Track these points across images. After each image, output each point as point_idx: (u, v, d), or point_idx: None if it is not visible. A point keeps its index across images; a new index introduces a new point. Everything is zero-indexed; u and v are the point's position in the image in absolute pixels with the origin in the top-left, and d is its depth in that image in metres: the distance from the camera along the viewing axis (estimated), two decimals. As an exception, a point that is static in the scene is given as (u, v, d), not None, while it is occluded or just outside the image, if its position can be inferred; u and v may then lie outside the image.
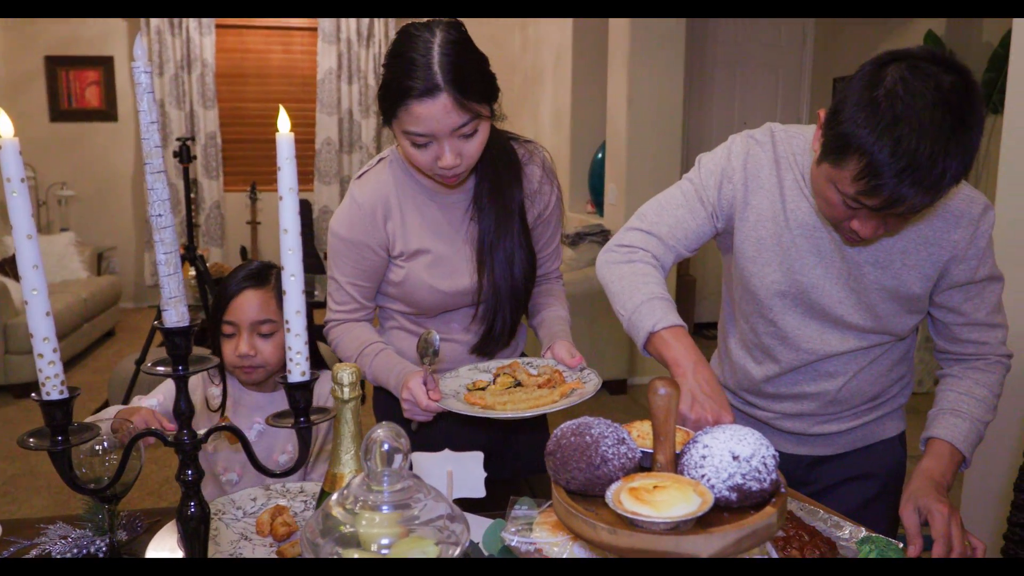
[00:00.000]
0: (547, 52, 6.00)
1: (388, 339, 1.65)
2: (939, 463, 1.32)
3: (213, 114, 6.48)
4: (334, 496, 0.82)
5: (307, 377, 0.97)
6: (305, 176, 6.89)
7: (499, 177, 1.53)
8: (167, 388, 1.67)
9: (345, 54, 6.62)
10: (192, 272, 4.00)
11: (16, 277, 4.97)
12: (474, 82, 1.35)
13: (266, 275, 1.65)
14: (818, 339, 1.40)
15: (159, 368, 0.86)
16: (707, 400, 1.16)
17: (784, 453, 1.55)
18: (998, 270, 1.34)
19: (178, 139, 3.61)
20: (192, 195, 6.48)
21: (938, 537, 1.19)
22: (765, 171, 1.37)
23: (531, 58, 6.48)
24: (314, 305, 5.37)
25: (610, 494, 0.78)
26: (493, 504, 1.21)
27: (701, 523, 0.76)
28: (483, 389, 1.43)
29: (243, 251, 6.76)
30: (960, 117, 1.05)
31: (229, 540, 1.25)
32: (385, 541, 0.79)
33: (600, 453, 0.81)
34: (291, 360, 0.96)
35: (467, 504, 1.25)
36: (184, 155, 3.58)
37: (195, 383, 1.69)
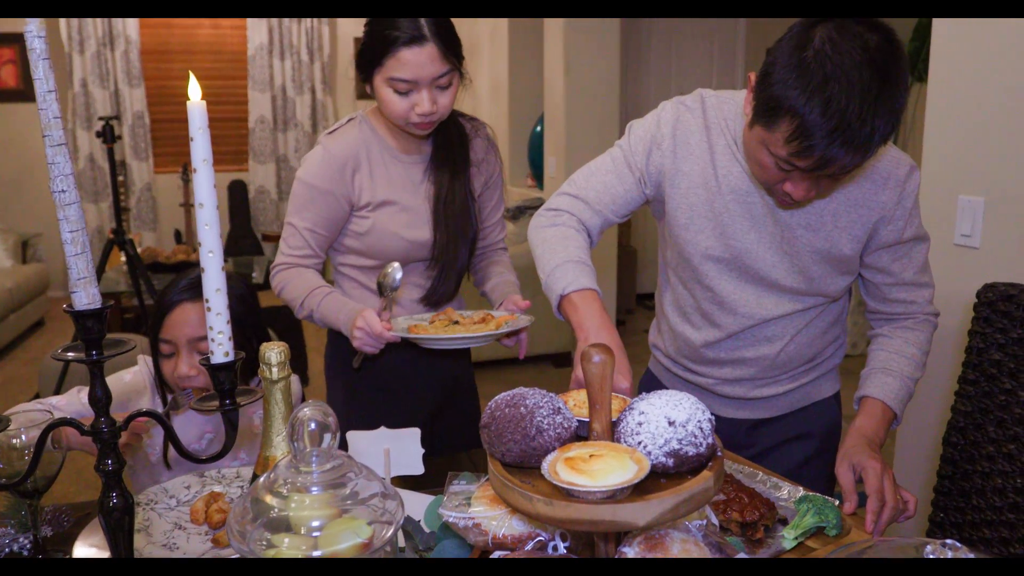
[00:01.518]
0: (482, 24, 5.93)
1: (342, 292, 1.72)
2: (871, 421, 1.35)
3: (140, 93, 6.24)
4: (261, 479, 0.79)
5: (231, 358, 0.93)
6: (240, 156, 6.71)
7: (451, 144, 1.69)
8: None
9: (276, 29, 6.43)
10: (123, 258, 3.87)
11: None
12: (453, 37, 1.51)
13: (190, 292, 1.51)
14: (755, 303, 1.42)
15: (69, 354, 0.81)
16: None
17: (724, 418, 1.57)
18: (924, 230, 1.37)
19: (100, 118, 3.46)
20: (120, 177, 6.25)
21: (871, 492, 1.22)
22: (695, 137, 1.37)
23: (466, 31, 6.40)
24: (256, 287, 5.28)
25: (546, 465, 0.76)
26: (433, 480, 1.20)
27: (638, 490, 0.75)
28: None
29: (177, 234, 6.56)
30: (886, 76, 1.05)
31: (162, 530, 1.21)
32: (316, 523, 0.77)
33: (535, 424, 0.80)
34: (213, 340, 0.93)
35: (407, 482, 1.24)
36: (108, 135, 3.44)
37: (140, 383, 1.58)
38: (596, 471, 0.74)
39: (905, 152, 1.37)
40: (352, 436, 1.10)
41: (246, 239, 6.63)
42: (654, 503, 0.72)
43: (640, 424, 0.79)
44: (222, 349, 0.93)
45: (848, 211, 1.32)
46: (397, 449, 1.08)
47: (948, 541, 0.82)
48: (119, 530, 0.88)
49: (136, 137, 6.29)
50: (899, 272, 1.38)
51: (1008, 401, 1.49)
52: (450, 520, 0.89)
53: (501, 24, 5.48)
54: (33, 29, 0.75)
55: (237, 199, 6.63)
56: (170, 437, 0.94)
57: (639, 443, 0.78)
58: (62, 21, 6.00)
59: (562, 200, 1.45)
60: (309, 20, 6.46)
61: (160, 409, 1.57)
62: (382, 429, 1.09)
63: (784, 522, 1.22)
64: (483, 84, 6.04)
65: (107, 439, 0.85)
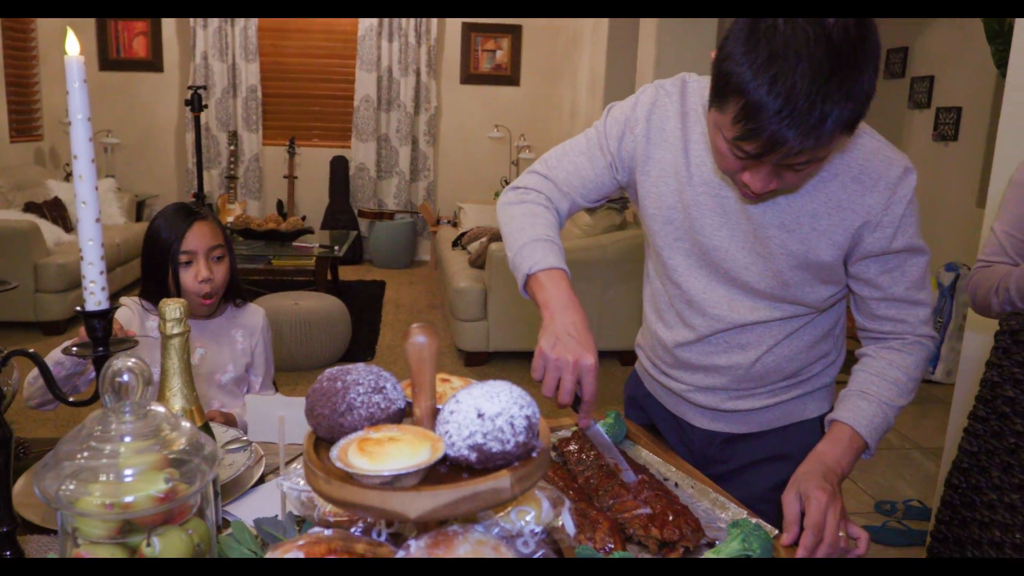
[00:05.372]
0: (585, 21, 5.83)
1: None
2: (835, 448, 1.22)
3: (255, 67, 6.53)
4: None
5: (104, 306, 0.94)
6: (343, 132, 6.91)
7: None
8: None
9: (387, 11, 6.57)
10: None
11: (53, 219, 5.13)
12: None
13: (200, 209, 1.79)
14: (726, 305, 1.31)
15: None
16: (570, 340, 1.10)
17: (698, 428, 1.47)
18: (921, 242, 1.22)
19: (189, 87, 3.64)
20: (232, 147, 6.58)
21: (808, 526, 1.10)
22: (671, 123, 1.27)
23: (573, 20, 6.32)
24: (338, 261, 5.43)
25: (342, 443, 0.72)
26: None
27: (430, 482, 0.69)
28: None
29: (279, 204, 6.85)
30: (842, 58, 0.93)
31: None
32: (122, 474, 0.75)
33: (347, 400, 0.75)
34: (86, 289, 0.93)
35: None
36: (196, 103, 3.60)
37: (128, 317, 1.75)
38: (383, 455, 0.68)
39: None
40: (250, 400, 1.08)
41: (343, 213, 6.83)
42: (427, 496, 0.66)
43: (452, 413, 0.73)
44: (94, 298, 0.94)
45: (829, 213, 1.19)
46: (293, 417, 1.06)
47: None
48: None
49: (248, 110, 6.59)
50: (888, 286, 1.23)
51: (1018, 445, 1.32)
52: (284, 489, 0.85)
53: (602, 20, 5.37)
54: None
55: (338, 174, 6.84)
56: (45, 378, 0.96)
57: (446, 432, 0.72)
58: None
59: (531, 179, 1.38)
60: (419, 3, 6.56)
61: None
62: (278, 396, 1.07)
63: (711, 545, 1.13)
64: (583, 74, 5.96)
65: None
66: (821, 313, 1.34)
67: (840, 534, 1.11)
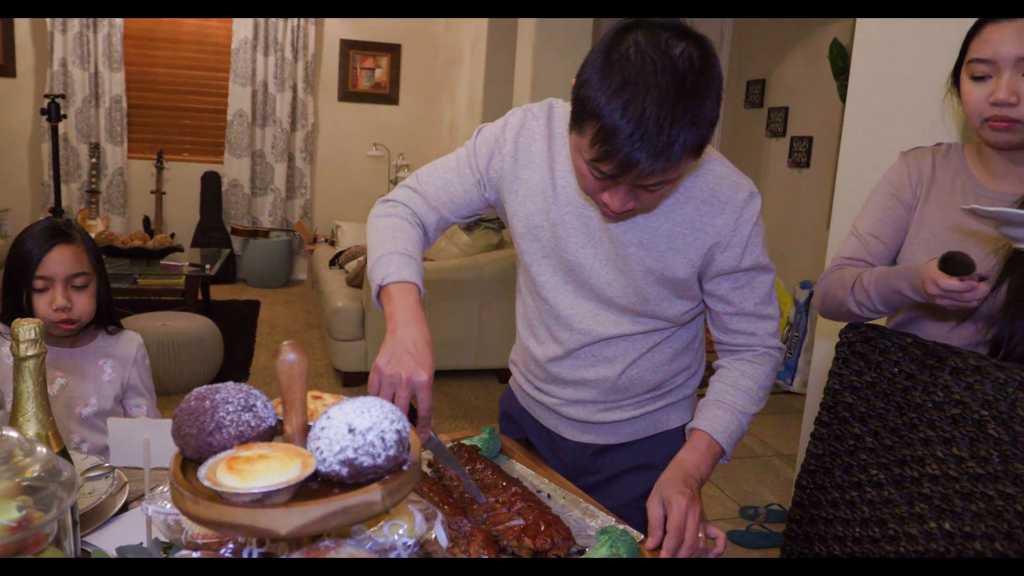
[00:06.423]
0: (466, 35, 5.92)
1: None
2: (695, 454, 1.30)
3: (119, 77, 6.23)
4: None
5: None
6: (216, 148, 6.69)
7: None
8: None
9: (262, 24, 6.43)
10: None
11: None
12: None
13: (69, 231, 1.66)
14: (592, 319, 1.37)
15: None
16: (406, 356, 1.12)
17: (571, 441, 1.52)
18: (766, 260, 1.32)
19: (46, 95, 3.44)
20: (94, 160, 6.23)
21: (670, 529, 1.16)
22: (537, 145, 1.33)
23: (452, 40, 6.40)
24: (209, 280, 5.24)
25: (210, 462, 0.71)
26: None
27: (301, 498, 0.70)
28: None
29: (146, 221, 6.54)
30: (686, 84, 1.01)
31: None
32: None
33: (216, 419, 0.75)
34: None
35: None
36: (53, 112, 3.41)
37: None
38: (252, 472, 0.69)
39: (755, 174, 1.33)
40: (112, 423, 1.04)
41: (216, 231, 6.60)
42: (296, 512, 0.67)
43: (323, 429, 0.74)
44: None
45: (683, 233, 1.27)
46: (159, 439, 1.03)
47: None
48: None
49: (112, 121, 6.27)
50: (739, 302, 1.33)
51: (855, 447, 1.44)
52: (150, 514, 0.83)
53: (481, 38, 5.46)
54: None
55: (210, 190, 6.61)
56: None
57: (317, 448, 0.73)
58: None
59: (401, 192, 1.42)
60: (296, 18, 6.46)
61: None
62: (143, 419, 1.04)
63: (582, 552, 1.17)
64: (463, 93, 6.02)
65: None
66: (681, 327, 1.42)
67: (700, 535, 1.18)
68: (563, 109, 1.34)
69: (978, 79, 1.32)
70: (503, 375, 4.59)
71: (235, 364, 4.51)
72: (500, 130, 1.36)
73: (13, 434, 0.77)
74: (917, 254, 1.45)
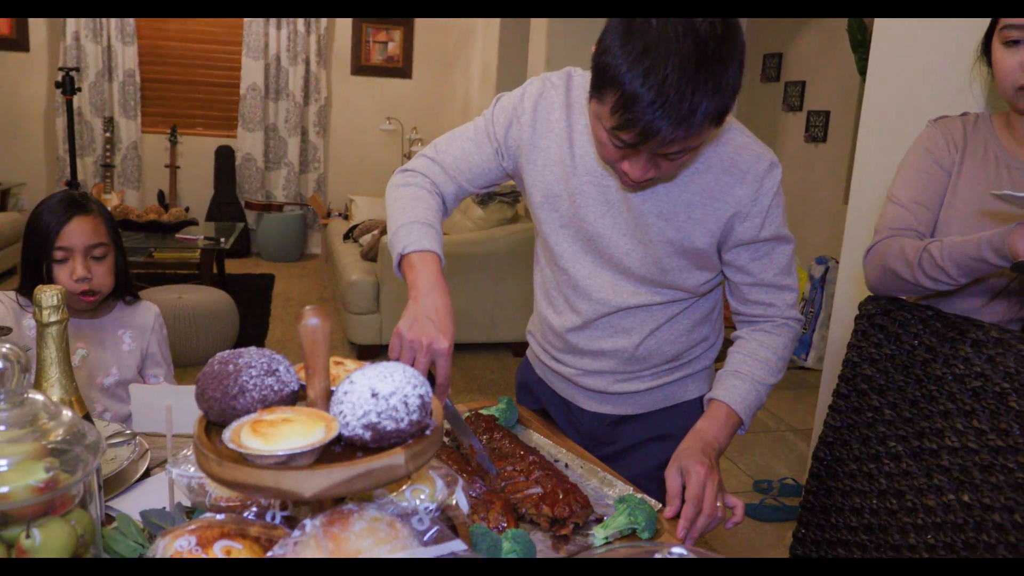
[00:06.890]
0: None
1: None
2: (713, 424, 1.30)
3: (132, 51, 6.22)
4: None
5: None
6: (229, 122, 6.69)
7: None
8: None
9: (275, -3, 6.39)
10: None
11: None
12: None
13: (86, 202, 1.67)
14: (610, 289, 1.37)
15: None
16: (428, 323, 1.13)
17: (588, 411, 1.52)
18: (786, 231, 1.31)
19: (60, 68, 3.44)
20: (108, 134, 6.25)
21: (689, 499, 1.16)
22: (556, 115, 1.31)
23: (463, 21, 6.34)
24: (224, 253, 5.26)
25: (234, 425, 0.72)
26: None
27: (324, 461, 0.70)
28: None
29: (160, 195, 6.56)
30: (709, 51, 0.99)
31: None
32: (3, 462, 0.73)
33: (239, 383, 0.75)
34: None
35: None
36: (67, 85, 3.41)
37: (2, 314, 1.67)
38: (276, 435, 0.69)
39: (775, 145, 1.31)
40: (134, 389, 1.05)
41: (229, 205, 6.61)
42: (321, 474, 0.67)
43: (346, 393, 0.74)
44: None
45: (703, 203, 1.26)
46: (180, 406, 1.03)
47: (675, 550, 0.76)
48: None
49: (126, 95, 6.27)
50: (758, 272, 1.32)
51: (874, 419, 1.43)
52: (173, 477, 0.84)
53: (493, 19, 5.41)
54: None
55: (223, 165, 6.61)
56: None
57: (340, 412, 0.73)
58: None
59: (419, 162, 1.41)
60: (308, -9, 6.41)
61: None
62: (164, 384, 1.04)
63: (600, 521, 1.18)
64: (476, 68, 5.98)
65: None
66: (699, 298, 1.42)
67: (718, 504, 1.18)
68: (582, 78, 1.33)
69: (1011, 44, 1.30)
70: (517, 349, 4.60)
71: (250, 337, 4.54)
72: (518, 99, 1.35)
73: (39, 397, 0.77)
74: (951, 224, 1.42)
